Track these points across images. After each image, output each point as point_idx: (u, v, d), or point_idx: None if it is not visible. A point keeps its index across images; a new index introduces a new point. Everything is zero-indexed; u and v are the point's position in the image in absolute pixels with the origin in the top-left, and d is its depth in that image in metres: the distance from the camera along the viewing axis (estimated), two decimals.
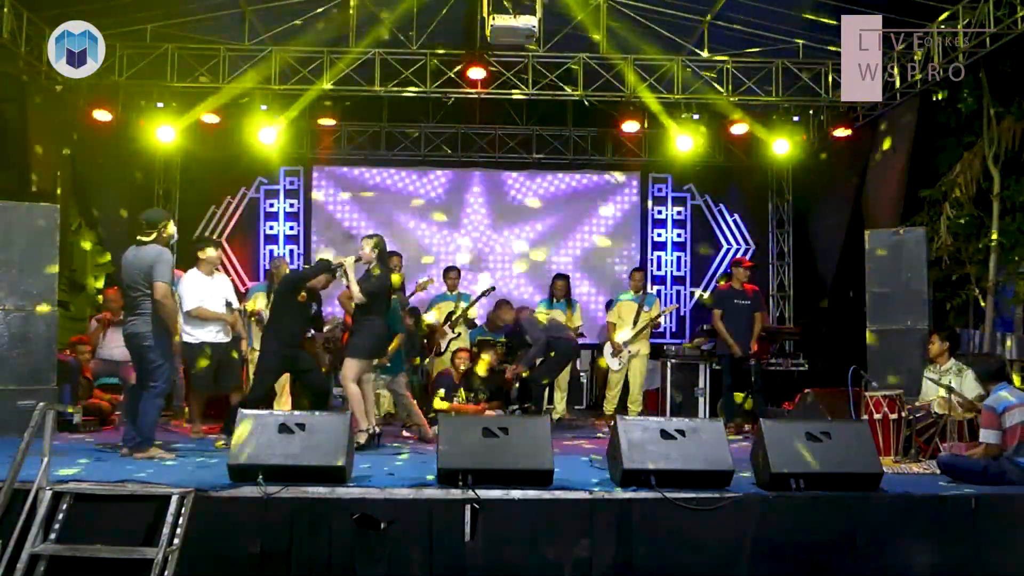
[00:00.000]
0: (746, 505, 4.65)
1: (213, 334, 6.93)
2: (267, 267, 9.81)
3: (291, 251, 11.70)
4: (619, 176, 11.96)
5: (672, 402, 9.29)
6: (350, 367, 6.39)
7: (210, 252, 7.09)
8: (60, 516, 4.32)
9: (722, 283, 9.72)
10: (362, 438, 6.27)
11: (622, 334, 8.93)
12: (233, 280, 9.01)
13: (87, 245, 10.11)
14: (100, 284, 10.08)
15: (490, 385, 8.32)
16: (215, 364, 6.95)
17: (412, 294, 9.13)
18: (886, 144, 9.59)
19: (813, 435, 4.91)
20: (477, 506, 4.45)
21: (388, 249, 6.89)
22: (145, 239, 5.91)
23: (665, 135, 10.83)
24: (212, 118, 10.42)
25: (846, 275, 9.65)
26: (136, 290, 5.80)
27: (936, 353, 6.66)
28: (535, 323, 8.25)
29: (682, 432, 4.88)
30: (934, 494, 4.90)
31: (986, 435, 5.31)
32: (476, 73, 9.33)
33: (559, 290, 9.30)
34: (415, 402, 7.53)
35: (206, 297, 6.94)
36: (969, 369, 6.46)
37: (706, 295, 11.09)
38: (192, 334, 6.91)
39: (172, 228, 6.07)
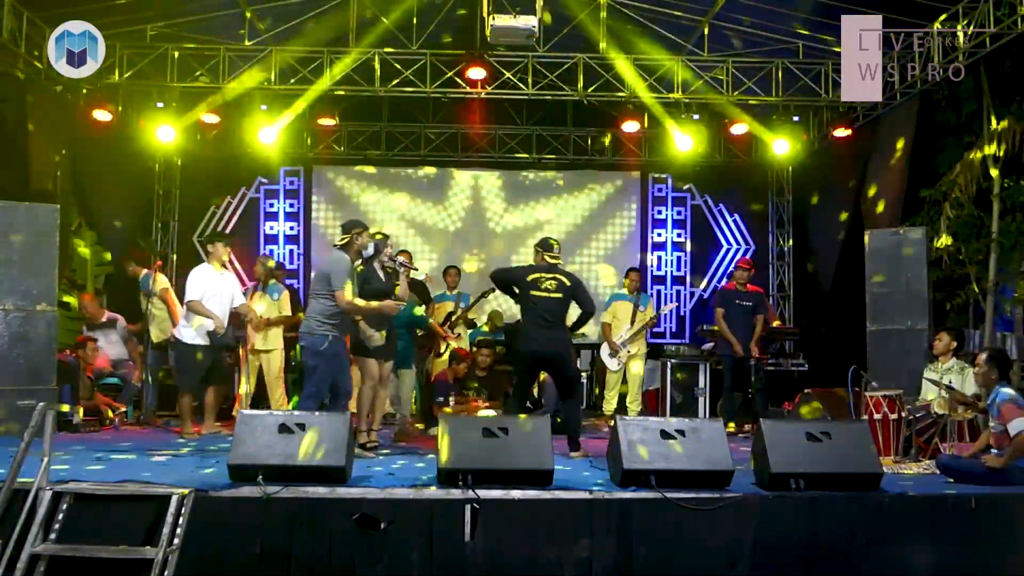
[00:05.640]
0: (746, 505, 4.64)
1: (204, 334, 6.99)
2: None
3: (291, 251, 11.71)
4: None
5: (672, 402, 9.28)
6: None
7: (218, 246, 7.18)
8: (60, 516, 4.31)
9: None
10: (363, 438, 6.27)
11: (619, 334, 8.93)
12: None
13: (87, 245, 10.11)
14: (100, 284, 10.07)
15: (489, 385, 8.32)
16: (205, 363, 7.05)
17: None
18: (886, 144, 9.60)
19: (813, 435, 4.90)
20: (477, 506, 4.45)
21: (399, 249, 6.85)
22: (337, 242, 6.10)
23: (665, 135, 10.83)
24: (212, 118, 10.43)
25: (846, 275, 9.65)
26: None
27: (942, 350, 6.65)
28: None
29: (682, 432, 4.87)
30: (934, 494, 4.89)
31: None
32: (476, 73, 9.33)
33: None
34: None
35: (211, 292, 7.01)
36: (970, 368, 6.46)
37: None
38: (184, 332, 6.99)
39: (363, 239, 6.07)
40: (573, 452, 6.25)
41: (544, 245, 6.59)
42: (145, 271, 8.49)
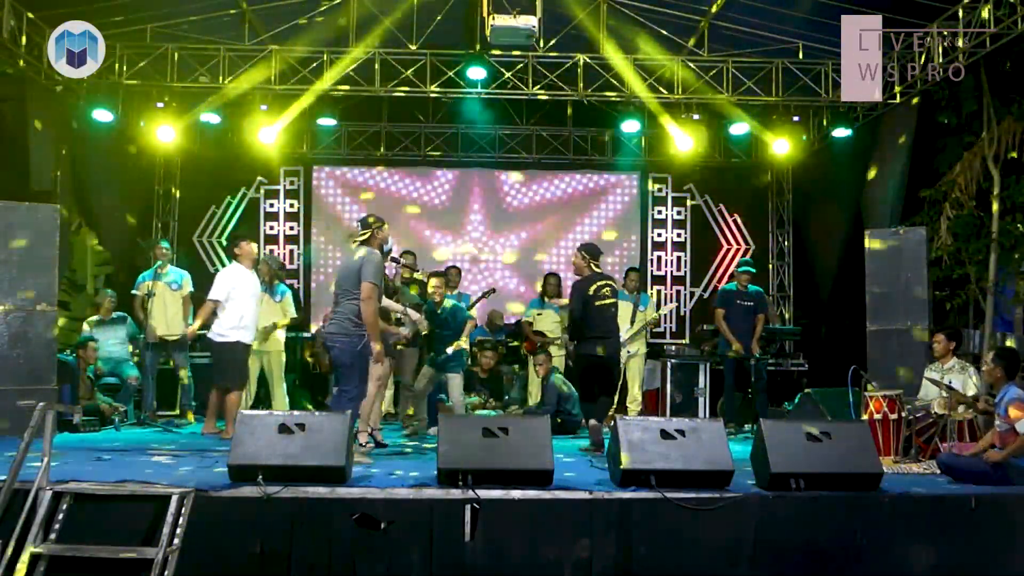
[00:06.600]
0: (746, 505, 4.64)
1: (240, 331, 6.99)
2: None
3: (291, 251, 11.70)
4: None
5: (672, 402, 9.29)
6: None
7: (243, 244, 7.17)
8: (60, 516, 4.31)
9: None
10: (363, 438, 6.26)
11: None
12: None
13: (87, 245, 10.11)
14: (100, 284, 10.07)
15: (489, 385, 8.34)
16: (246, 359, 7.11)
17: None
18: (886, 144, 9.60)
19: (813, 435, 4.90)
20: (477, 506, 4.45)
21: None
22: (357, 238, 5.88)
23: (665, 135, 10.83)
24: (212, 118, 10.43)
25: (846, 275, 9.65)
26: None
27: (941, 352, 6.65)
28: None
29: (682, 432, 4.87)
30: (934, 494, 4.89)
31: None
32: (476, 73, 9.34)
33: (551, 289, 9.25)
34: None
35: (242, 291, 7.03)
36: (972, 367, 6.45)
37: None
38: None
39: (384, 232, 5.92)
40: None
41: (592, 252, 6.72)
42: (170, 265, 8.53)
